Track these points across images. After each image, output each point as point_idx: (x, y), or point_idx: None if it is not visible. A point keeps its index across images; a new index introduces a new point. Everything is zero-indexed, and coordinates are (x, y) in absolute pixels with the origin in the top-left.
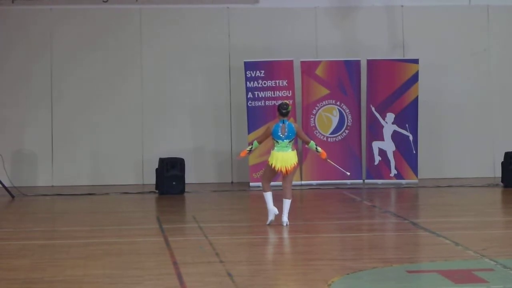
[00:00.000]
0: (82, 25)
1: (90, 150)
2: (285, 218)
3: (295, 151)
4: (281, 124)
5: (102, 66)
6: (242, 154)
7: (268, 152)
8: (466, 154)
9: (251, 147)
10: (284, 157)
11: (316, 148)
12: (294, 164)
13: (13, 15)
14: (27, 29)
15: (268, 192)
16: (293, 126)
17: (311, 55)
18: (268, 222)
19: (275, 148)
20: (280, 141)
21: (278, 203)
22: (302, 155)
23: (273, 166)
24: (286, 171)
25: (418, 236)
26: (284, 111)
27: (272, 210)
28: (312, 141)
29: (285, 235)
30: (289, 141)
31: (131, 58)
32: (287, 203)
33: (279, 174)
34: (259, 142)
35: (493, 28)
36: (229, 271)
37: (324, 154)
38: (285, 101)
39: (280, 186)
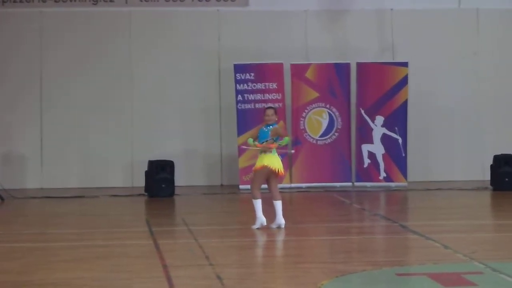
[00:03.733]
0: (72, 28)
1: (79, 152)
2: (282, 220)
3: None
4: (265, 129)
5: (92, 69)
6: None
7: (257, 156)
8: (455, 157)
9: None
10: (271, 159)
11: (281, 143)
12: (281, 168)
13: (3, 18)
14: (17, 31)
15: (258, 200)
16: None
17: (301, 58)
18: (255, 227)
19: (261, 152)
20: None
21: (268, 206)
22: (291, 158)
23: (266, 165)
24: (278, 171)
25: (407, 239)
26: (266, 117)
27: (260, 218)
28: (285, 137)
29: (275, 238)
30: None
31: (121, 61)
32: (279, 204)
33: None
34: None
35: (482, 31)
36: (218, 274)
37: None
38: (269, 105)
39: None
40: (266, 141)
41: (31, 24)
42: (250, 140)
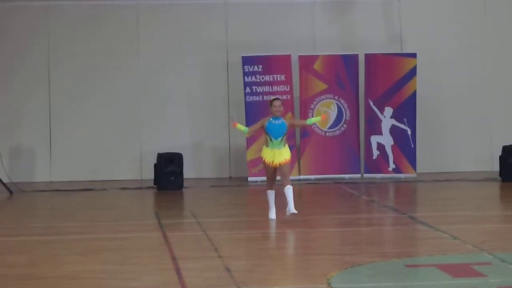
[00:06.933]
0: (79, 20)
1: (88, 145)
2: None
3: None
4: (275, 122)
5: (99, 62)
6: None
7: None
8: (464, 148)
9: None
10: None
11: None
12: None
13: (9, 7)
14: (23, 23)
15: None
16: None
17: (309, 50)
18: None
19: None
20: (273, 139)
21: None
22: (299, 150)
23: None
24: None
25: (416, 230)
26: (273, 108)
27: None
28: (308, 119)
29: (284, 229)
30: (281, 139)
31: (129, 53)
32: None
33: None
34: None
35: (490, 21)
36: (227, 266)
37: (324, 117)
38: (276, 96)
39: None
40: (284, 135)
41: (38, 16)
42: (245, 129)
